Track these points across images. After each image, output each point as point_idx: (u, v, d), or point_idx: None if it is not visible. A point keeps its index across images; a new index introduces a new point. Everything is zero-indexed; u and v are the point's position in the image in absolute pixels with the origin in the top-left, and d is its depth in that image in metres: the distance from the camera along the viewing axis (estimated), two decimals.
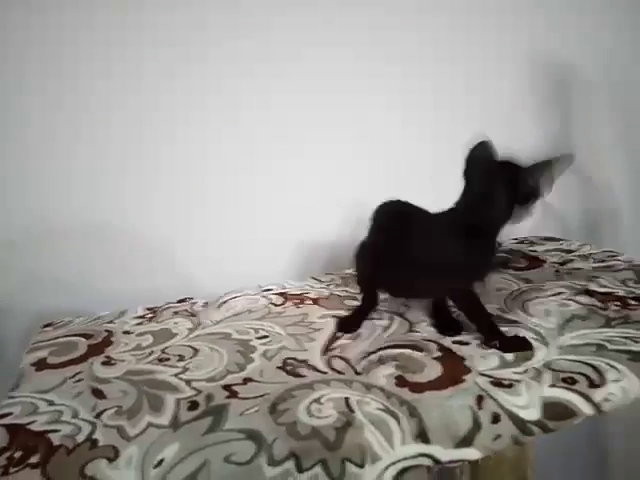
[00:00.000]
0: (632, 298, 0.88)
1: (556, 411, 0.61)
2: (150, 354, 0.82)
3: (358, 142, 1.23)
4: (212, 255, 1.16)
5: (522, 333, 0.78)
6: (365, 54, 1.20)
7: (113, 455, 0.57)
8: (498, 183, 0.75)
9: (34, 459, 0.57)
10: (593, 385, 0.64)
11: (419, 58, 1.25)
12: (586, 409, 0.61)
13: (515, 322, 0.83)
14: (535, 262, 1.10)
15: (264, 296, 1.05)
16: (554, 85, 1.40)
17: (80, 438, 0.61)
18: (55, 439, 0.61)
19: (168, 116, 1.10)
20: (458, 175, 0.78)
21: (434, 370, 0.70)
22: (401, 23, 1.22)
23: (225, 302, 1.03)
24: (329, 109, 1.20)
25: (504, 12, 1.31)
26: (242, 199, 1.18)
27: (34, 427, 0.64)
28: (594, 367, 0.67)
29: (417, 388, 0.66)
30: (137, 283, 1.12)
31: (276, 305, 1.00)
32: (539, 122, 1.40)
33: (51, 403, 0.70)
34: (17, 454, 0.59)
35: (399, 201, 0.83)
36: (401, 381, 0.68)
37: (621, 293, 0.90)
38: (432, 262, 0.76)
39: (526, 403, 0.62)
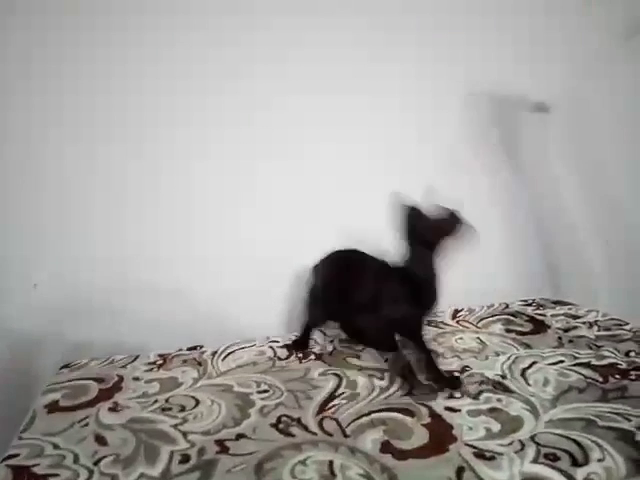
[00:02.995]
0: (633, 369, 0.88)
1: None
2: (154, 402, 0.86)
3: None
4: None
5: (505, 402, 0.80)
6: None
7: None
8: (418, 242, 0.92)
9: None
10: (576, 463, 0.64)
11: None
12: None
13: (509, 391, 0.83)
14: (540, 327, 1.10)
15: (271, 347, 1.08)
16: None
17: None
18: None
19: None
20: None
21: (421, 437, 0.72)
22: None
23: (232, 352, 1.06)
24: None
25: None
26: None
27: (37, 470, 0.69)
28: (579, 444, 0.67)
29: (401, 455, 0.67)
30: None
31: (280, 359, 1.03)
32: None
33: (56, 447, 0.74)
34: None
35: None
36: (386, 447, 0.69)
37: (623, 366, 0.90)
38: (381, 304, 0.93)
39: (506, 478, 0.62)
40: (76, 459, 0.70)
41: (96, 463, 0.69)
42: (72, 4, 1.07)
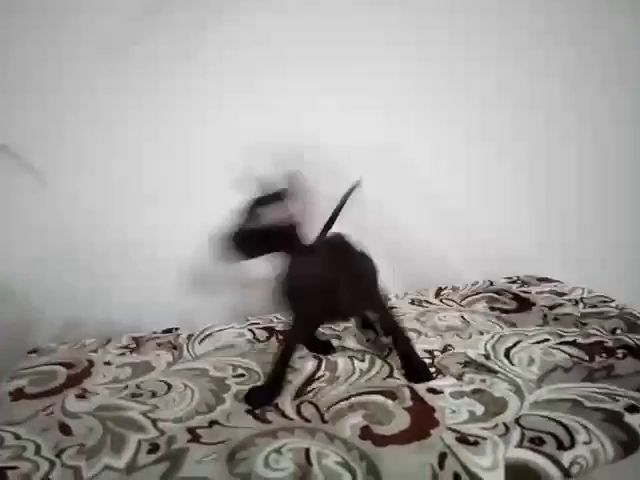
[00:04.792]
0: (619, 347, 0.86)
1: (520, 474, 0.59)
2: (125, 388, 0.83)
3: None
4: None
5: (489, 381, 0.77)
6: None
7: None
8: None
9: None
10: (562, 447, 0.62)
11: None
12: (553, 472, 0.59)
13: (493, 371, 0.81)
14: (524, 305, 1.07)
15: (250, 329, 1.05)
16: None
17: (36, 478, 0.61)
18: (12, 477, 0.61)
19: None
20: None
21: (402, 421, 0.69)
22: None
23: (209, 335, 1.02)
24: None
25: None
26: None
27: None
28: (565, 426, 0.65)
29: (381, 441, 0.64)
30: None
31: (260, 341, 0.99)
32: None
33: (17, 437, 0.70)
34: None
35: None
36: (366, 432, 0.66)
37: (609, 344, 0.88)
38: None
39: (490, 464, 0.60)
40: (38, 450, 0.66)
41: (59, 454, 0.65)
42: (72, 4, 1.04)
